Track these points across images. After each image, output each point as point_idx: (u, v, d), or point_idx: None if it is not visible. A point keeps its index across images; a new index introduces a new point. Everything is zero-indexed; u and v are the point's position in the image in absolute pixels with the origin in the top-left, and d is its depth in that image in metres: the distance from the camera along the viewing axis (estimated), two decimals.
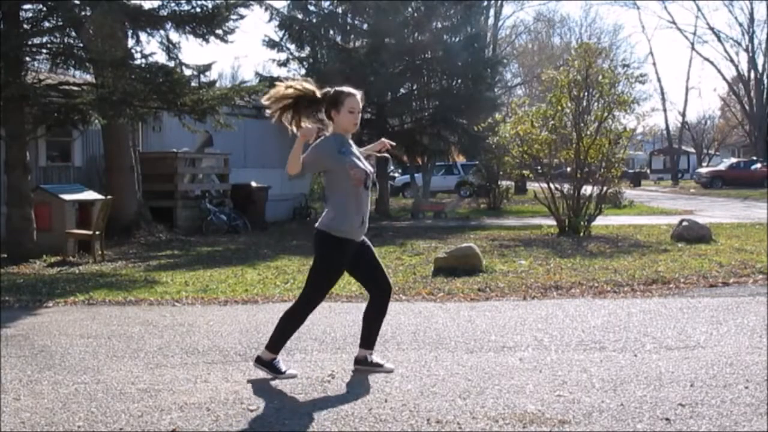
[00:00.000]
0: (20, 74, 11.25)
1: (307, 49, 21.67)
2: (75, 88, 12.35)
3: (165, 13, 11.95)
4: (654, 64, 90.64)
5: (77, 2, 11.74)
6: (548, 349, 5.36)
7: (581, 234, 13.66)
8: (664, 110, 51.70)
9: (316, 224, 4.67)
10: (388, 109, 21.55)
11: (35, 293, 8.29)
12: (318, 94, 4.66)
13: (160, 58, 18.16)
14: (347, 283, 8.67)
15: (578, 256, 10.67)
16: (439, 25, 22.26)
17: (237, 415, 4.02)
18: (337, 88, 4.70)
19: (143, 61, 11.95)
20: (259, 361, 4.73)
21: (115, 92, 11.32)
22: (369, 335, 4.86)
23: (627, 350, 5.27)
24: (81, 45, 11.68)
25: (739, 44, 48.44)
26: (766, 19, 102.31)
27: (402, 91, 22.52)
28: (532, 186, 20.83)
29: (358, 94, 4.69)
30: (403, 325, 6.28)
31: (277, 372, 4.68)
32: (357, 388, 4.46)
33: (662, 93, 78.32)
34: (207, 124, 13.86)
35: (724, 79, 52.75)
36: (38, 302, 7.78)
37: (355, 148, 4.74)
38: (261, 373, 4.72)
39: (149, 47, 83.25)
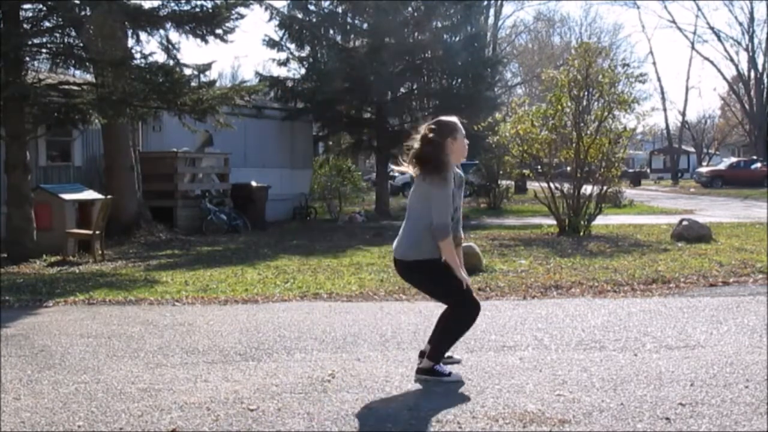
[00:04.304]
0: (20, 74, 11.24)
1: (307, 49, 21.66)
2: (75, 88, 12.35)
3: (165, 13, 11.94)
4: (654, 63, 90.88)
5: (77, 2, 11.74)
6: (548, 348, 5.36)
7: (581, 233, 13.66)
8: (664, 110, 51.77)
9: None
10: (388, 109, 21.55)
11: (35, 293, 8.29)
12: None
13: (160, 57, 18.17)
14: (347, 282, 8.68)
15: (578, 256, 10.67)
16: (439, 25, 22.25)
17: (237, 414, 4.02)
18: (443, 120, 4.69)
19: (143, 61, 11.95)
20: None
21: (115, 92, 11.32)
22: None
23: (627, 350, 5.27)
24: (81, 45, 11.67)
25: (739, 44, 48.46)
26: (766, 18, 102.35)
27: (402, 90, 22.52)
28: (532, 185, 20.81)
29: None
30: (403, 324, 6.28)
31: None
32: (357, 388, 4.46)
33: (662, 92, 78.49)
34: (207, 123, 13.85)
35: (724, 78, 52.83)
36: (38, 302, 7.78)
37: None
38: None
39: (149, 47, 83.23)
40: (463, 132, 4.71)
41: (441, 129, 4.61)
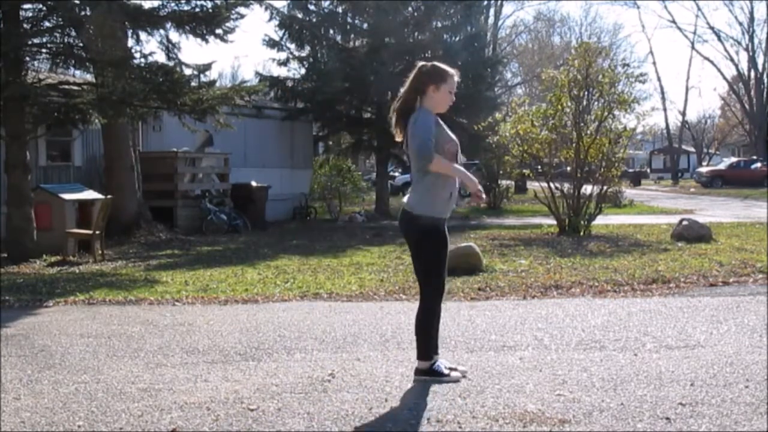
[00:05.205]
0: (20, 74, 11.25)
1: (307, 49, 21.67)
2: (75, 88, 12.35)
3: (165, 13, 11.94)
4: (654, 63, 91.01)
5: (77, 2, 11.74)
6: (548, 348, 5.36)
7: (581, 233, 13.66)
8: (664, 109, 51.87)
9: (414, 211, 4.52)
10: (388, 109, 21.53)
11: (35, 293, 8.29)
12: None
13: (160, 57, 18.23)
14: (347, 282, 8.68)
15: (578, 256, 10.67)
16: (439, 25, 22.24)
17: (237, 414, 4.01)
18: (438, 65, 4.68)
19: (143, 61, 11.96)
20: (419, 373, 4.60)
21: (115, 92, 11.31)
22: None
23: (627, 349, 5.27)
24: (81, 45, 11.68)
25: (739, 43, 48.54)
26: (766, 18, 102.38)
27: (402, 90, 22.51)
28: (532, 185, 20.81)
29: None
30: (404, 324, 6.27)
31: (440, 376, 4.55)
32: (357, 388, 4.46)
33: (662, 92, 78.43)
34: (207, 123, 13.85)
35: (724, 78, 52.87)
36: (38, 302, 7.79)
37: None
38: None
39: (149, 47, 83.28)
40: (452, 85, 4.63)
41: (427, 72, 4.60)
